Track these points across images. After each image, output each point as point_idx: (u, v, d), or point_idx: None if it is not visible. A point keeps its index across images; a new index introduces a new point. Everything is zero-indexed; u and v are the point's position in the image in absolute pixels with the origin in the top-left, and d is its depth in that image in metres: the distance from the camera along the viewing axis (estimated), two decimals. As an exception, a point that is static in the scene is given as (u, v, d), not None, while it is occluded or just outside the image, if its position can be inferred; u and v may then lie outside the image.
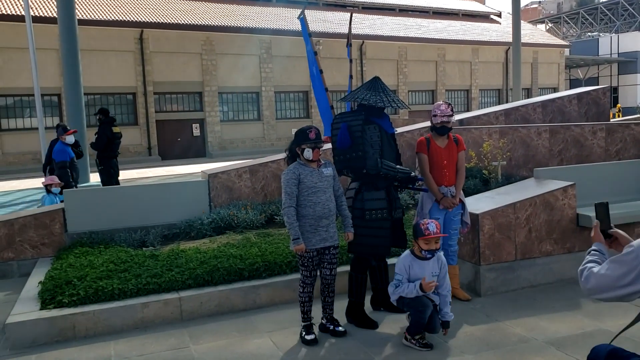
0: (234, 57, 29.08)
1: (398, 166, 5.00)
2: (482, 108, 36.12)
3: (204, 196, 7.94)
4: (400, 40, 33.83)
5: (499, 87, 39.08)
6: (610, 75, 43.64)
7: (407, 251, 4.65)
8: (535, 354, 4.21)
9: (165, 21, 27.21)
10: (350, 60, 5.73)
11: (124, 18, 26.35)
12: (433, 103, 35.49)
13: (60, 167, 9.09)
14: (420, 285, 4.39)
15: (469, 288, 5.57)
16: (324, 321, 4.89)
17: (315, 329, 4.78)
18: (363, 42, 32.26)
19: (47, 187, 8.71)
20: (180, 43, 27.58)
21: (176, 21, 27.52)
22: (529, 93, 39.02)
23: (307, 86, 31.58)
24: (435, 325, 4.45)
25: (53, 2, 24.36)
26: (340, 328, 4.81)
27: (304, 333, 4.70)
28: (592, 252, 2.71)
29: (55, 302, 5.13)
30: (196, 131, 28.87)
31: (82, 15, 24.78)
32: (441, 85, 36.23)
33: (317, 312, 4.87)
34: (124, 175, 11.32)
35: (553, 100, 9.88)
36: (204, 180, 8.09)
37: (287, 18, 31.72)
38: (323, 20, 31.76)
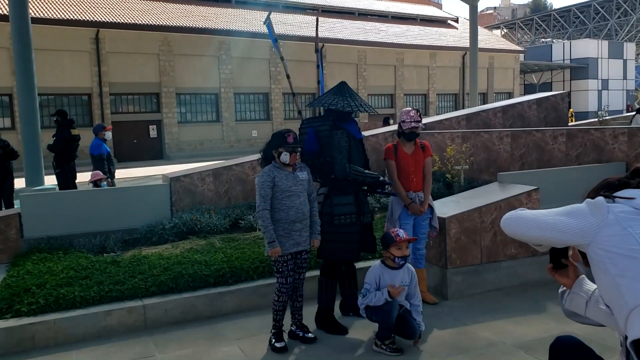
0: (192, 58, 28.73)
1: (366, 171, 4.98)
2: (439, 112, 36.72)
3: (165, 200, 7.77)
4: (359, 44, 34.06)
5: (455, 92, 39.76)
6: (563, 81, 44.94)
7: (378, 262, 4.65)
8: (504, 357, 4.25)
9: (122, 21, 26.67)
10: (319, 66, 5.68)
11: (80, 17, 25.71)
12: (392, 107, 35.90)
13: (99, 159, 9.84)
14: (388, 291, 4.39)
15: (436, 291, 5.60)
16: (293, 328, 4.83)
17: (285, 336, 4.72)
18: (323, 45, 32.31)
19: (96, 183, 8.80)
20: (137, 43, 27.08)
21: (133, 21, 27.02)
22: (485, 98, 39.82)
23: (268, 88, 31.48)
24: (413, 329, 4.44)
25: (5, 0, 23.58)
26: (310, 334, 4.75)
27: (273, 340, 4.63)
28: None
29: (13, 311, 4.91)
30: (153, 133, 28.38)
31: (36, 14, 24.06)
32: (400, 89, 36.63)
33: (286, 319, 4.80)
34: (80, 178, 10.98)
35: (513, 105, 10.07)
36: (165, 184, 7.93)
37: (246, 19, 31.55)
38: (283, 23, 31.66)
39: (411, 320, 4.51)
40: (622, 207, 1.94)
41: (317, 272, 5.29)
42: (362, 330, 4.91)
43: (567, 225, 1.98)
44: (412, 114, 5.29)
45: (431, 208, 5.33)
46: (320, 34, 32.02)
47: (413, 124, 5.24)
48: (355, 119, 5.17)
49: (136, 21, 27.10)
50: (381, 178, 5.00)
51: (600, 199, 2.00)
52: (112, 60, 26.66)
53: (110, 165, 10.14)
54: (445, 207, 5.69)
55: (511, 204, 5.69)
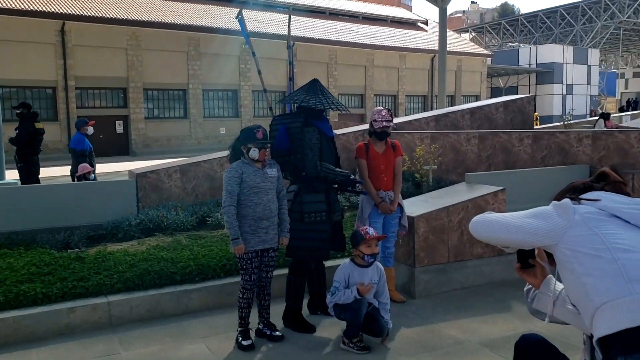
0: (160, 53, 28.35)
1: (337, 169, 4.98)
2: (408, 114, 37.03)
3: (131, 196, 7.63)
4: (330, 43, 34.11)
5: (424, 94, 40.15)
6: (529, 85, 45.78)
7: (347, 260, 4.66)
8: (471, 356, 4.30)
9: (89, 14, 26.15)
10: (290, 63, 5.66)
11: (44, 8, 25.10)
12: (362, 107, 36.05)
13: (82, 154, 9.71)
14: (357, 289, 4.40)
15: (404, 290, 5.64)
16: (260, 326, 4.79)
17: (252, 334, 4.68)
18: (293, 43, 32.01)
19: (85, 176, 8.78)
20: (104, 37, 26.59)
21: (101, 14, 26.51)
22: (452, 100, 40.30)
23: (237, 85, 31.28)
24: (381, 327, 4.46)
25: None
26: (277, 333, 4.73)
27: (240, 338, 4.59)
28: None
29: (-30, 308, 4.77)
30: (119, 128, 27.92)
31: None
32: (370, 89, 36.82)
33: (253, 317, 4.77)
34: (43, 172, 10.74)
35: (481, 107, 10.22)
36: (132, 180, 7.80)
37: (216, 16, 31.29)
38: (254, 20, 31.47)
39: (379, 318, 4.53)
40: (588, 208, 1.99)
41: (285, 271, 5.26)
42: (330, 328, 4.90)
43: (535, 227, 2.02)
44: (383, 113, 5.31)
45: (401, 207, 5.36)
46: (292, 32, 31.92)
47: (384, 123, 5.26)
48: (327, 117, 5.16)
49: (104, 14, 26.62)
50: (352, 176, 5.01)
51: (566, 201, 2.04)
52: (79, 53, 26.12)
53: (91, 160, 9.99)
54: (414, 207, 5.73)
55: (478, 204, 5.76)
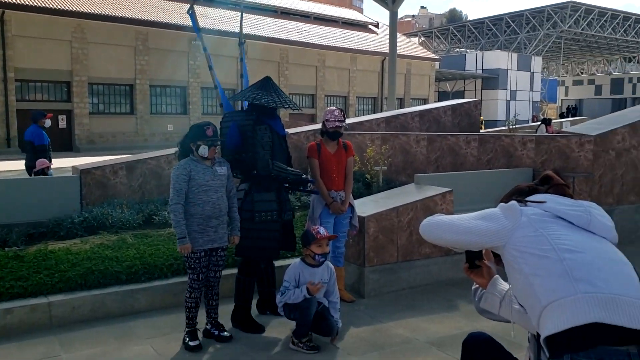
0: (107, 47, 27.58)
1: (289, 168, 4.95)
2: (359, 115, 37.30)
3: (74, 193, 7.38)
4: (281, 42, 34.00)
5: (374, 96, 40.55)
6: (475, 90, 46.89)
7: (298, 260, 4.64)
8: (418, 354, 4.35)
9: (31, 3, 25.18)
10: (242, 59, 5.59)
11: (-17, -4, 24.04)
12: (313, 107, 36.10)
13: (41, 150, 9.37)
14: (307, 288, 4.39)
15: (353, 289, 5.66)
16: (208, 326, 4.72)
17: (199, 335, 4.60)
18: (245, 40, 31.96)
19: (44, 171, 8.56)
20: (47, 28, 25.65)
21: (44, 4, 25.57)
22: (402, 103, 40.86)
23: (186, 81, 30.78)
24: (330, 326, 4.45)
25: None
26: (225, 333, 4.66)
27: (187, 339, 4.50)
28: None
29: None
30: (62, 123, 26.99)
31: None
32: (321, 90, 36.91)
33: (200, 317, 4.69)
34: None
35: (430, 110, 10.40)
36: (75, 176, 7.54)
37: (166, 10, 30.71)
38: (204, 16, 31.03)
39: (329, 318, 4.53)
40: (534, 210, 2.04)
41: (234, 270, 5.20)
42: (280, 328, 4.87)
43: (483, 229, 2.06)
44: (336, 113, 5.32)
45: (352, 207, 5.38)
46: (242, 30, 31.69)
47: (337, 123, 5.26)
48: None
49: (47, 4, 25.68)
50: (304, 176, 4.99)
51: (513, 203, 2.09)
52: (19, 44, 25.11)
53: (50, 154, 9.66)
54: (365, 207, 5.76)
55: (426, 204, 5.85)
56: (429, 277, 5.93)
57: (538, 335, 2.03)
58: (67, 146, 26.87)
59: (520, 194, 2.22)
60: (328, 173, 5.30)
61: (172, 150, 8.45)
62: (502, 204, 2.12)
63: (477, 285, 2.82)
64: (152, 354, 4.40)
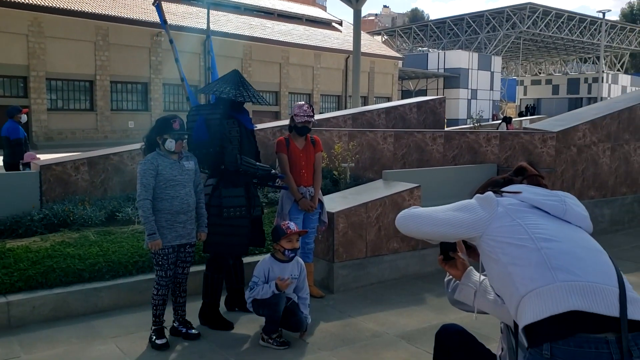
0: (65, 41, 26.89)
1: (258, 163, 4.89)
2: (323, 113, 37.33)
3: (34, 189, 7.17)
4: (245, 39, 33.75)
5: (338, 94, 40.65)
6: (437, 89, 47.44)
7: (268, 255, 4.59)
8: (388, 348, 4.36)
9: (-15, -5, 24.37)
10: (209, 52, 5.51)
11: None
12: (277, 104, 35.95)
13: (17, 144, 9.49)
14: (276, 284, 4.35)
15: (322, 285, 5.64)
16: (175, 324, 4.63)
17: (166, 333, 4.51)
18: (207, 37, 31.64)
19: (30, 165, 8.46)
20: (1, 21, 24.85)
21: (-2, -3, 24.77)
22: (365, 101, 41.05)
23: (147, 77, 30.27)
24: (300, 322, 4.42)
25: None
26: (193, 331, 4.58)
27: (154, 337, 4.40)
28: None
29: None
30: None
31: None
32: (285, 87, 36.78)
33: (167, 315, 4.59)
34: None
35: (396, 107, 10.45)
36: (35, 172, 7.32)
37: (127, 5, 30.12)
38: (167, 12, 30.61)
39: (298, 313, 4.50)
40: (510, 200, 2.04)
41: (202, 267, 5.12)
42: (249, 325, 4.82)
43: (460, 220, 2.06)
44: (305, 108, 5.28)
45: (321, 203, 5.36)
46: (205, 26, 31.37)
47: (306, 118, 5.22)
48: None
49: (2, -3, 24.89)
50: (273, 171, 4.94)
51: (489, 193, 2.09)
52: (-28, 37, 24.31)
53: (27, 149, 9.79)
54: (333, 203, 5.75)
55: (395, 200, 5.87)
56: (397, 271, 5.96)
57: (515, 325, 2.05)
58: (24, 143, 26.06)
59: (495, 186, 2.24)
60: (297, 168, 5.26)
61: (136, 146, 8.32)
62: (477, 195, 2.12)
63: (450, 277, 2.83)
64: (118, 354, 4.29)
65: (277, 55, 35.99)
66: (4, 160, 9.62)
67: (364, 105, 36.98)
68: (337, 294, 5.55)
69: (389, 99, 42.50)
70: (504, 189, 2.12)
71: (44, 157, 9.85)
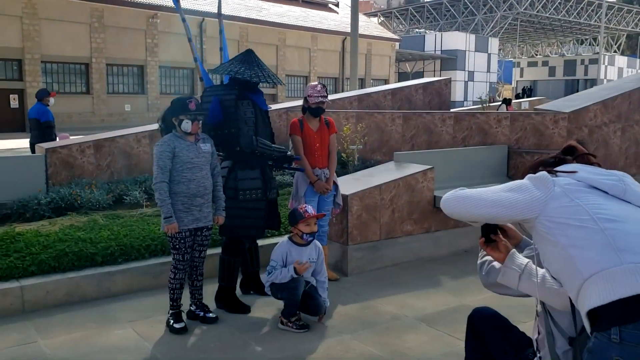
0: (60, 23, 26.54)
1: (274, 145, 4.82)
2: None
3: (40, 173, 7.08)
4: (241, 20, 33.40)
5: (335, 76, 40.40)
6: (434, 70, 47.20)
7: (285, 238, 4.53)
8: (409, 331, 4.32)
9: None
10: (221, 31, 5.39)
11: None
12: (274, 87, 35.69)
13: (47, 126, 9.72)
14: (295, 268, 4.30)
15: (336, 268, 5.60)
16: (192, 308, 4.58)
17: (183, 317, 4.46)
18: (203, 19, 31.34)
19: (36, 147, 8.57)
20: (-5, 3, 24.49)
21: (-9, -23, 24.38)
22: (362, 83, 40.79)
23: (143, 60, 29.99)
24: (318, 305, 4.38)
25: None
26: (211, 314, 4.54)
27: (172, 321, 4.36)
28: None
29: None
30: (14, 103, 25.97)
31: None
32: (281, 69, 36.51)
33: (184, 299, 4.54)
34: None
35: (402, 88, 10.36)
36: (41, 155, 7.22)
37: (122, -14, 29.70)
38: (162, -7, 30.26)
39: (317, 297, 4.46)
40: (567, 180, 1.98)
41: (217, 250, 5.06)
42: (265, 308, 4.78)
43: (514, 201, 1.99)
44: (318, 88, 5.18)
45: (336, 185, 5.29)
46: (202, 8, 31.01)
47: (320, 99, 5.13)
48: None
49: (-5, -22, 24.51)
50: (289, 153, 4.87)
51: (543, 173, 2.02)
52: (-35, 19, 23.95)
53: (55, 131, 10.04)
54: (347, 185, 5.68)
55: (408, 182, 5.81)
56: (411, 254, 5.92)
57: (555, 310, 1.98)
58: (20, 127, 25.86)
59: (546, 165, 2.17)
60: (311, 150, 5.18)
61: (141, 129, 8.22)
62: (530, 175, 2.05)
63: (484, 260, 2.78)
64: (136, 338, 4.25)
65: (273, 37, 35.68)
66: (30, 142, 9.76)
67: (362, 88, 36.82)
68: (352, 277, 5.51)
69: (386, 81, 42.28)
70: (558, 169, 2.05)
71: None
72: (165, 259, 5.36)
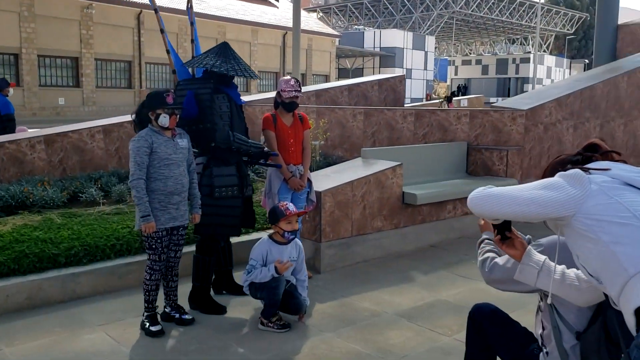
0: (-14, 12, 25.14)
1: (250, 140, 4.71)
2: (261, 90, 36.84)
3: (-15, 170, 6.67)
4: (179, 13, 32.63)
5: (276, 70, 40.20)
6: (373, 67, 47.77)
7: (265, 237, 4.44)
8: (391, 327, 4.33)
9: None
10: (192, 23, 5.22)
11: None
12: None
13: (8, 119, 9.41)
14: (275, 267, 4.22)
15: (309, 265, 5.48)
16: (167, 309, 4.42)
17: (159, 319, 4.30)
18: (141, 11, 30.47)
19: None
20: None
21: None
22: (304, 79, 40.79)
23: (78, 52, 28.83)
24: (299, 304, 4.32)
25: None
26: (187, 316, 4.39)
27: (147, 324, 4.19)
28: (487, 241, 2.80)
29: None
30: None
31: None
32: (222, 63, 35.92)
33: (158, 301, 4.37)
34: None
35: (358, 84, 10.39)
36: (-15, 151, 6.80)
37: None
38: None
39: (297, 296, 4.40)
40: (603, 177, 1.99)
41: (190, 248, 4.90)
42: (241, 308, 4.68)
43: (549, 199, 1.98)
44: (292, 82, 5.09)
45: (310, 182, 5.23)
46: (138, 1, 30.12)
47: (294, 93, 5.05)
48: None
49: None
50: (265, 149, 4.77)
51: (577, 171, 2.03)
52: None
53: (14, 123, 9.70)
54: (318, 182, 5.62)
55: (379, 178, 5.83)
56: (381, 250, 5.94)
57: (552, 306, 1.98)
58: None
59: (572, 163, 2.18)
60: (285, 146, 5.09)
61: (94, 123, 7.88)
62: (562, 172, 2.06)
63: (485, 257, 2.80)
64: (110, 342, 4.06)
65: (213, 31, 35.04)
66: None
67: (303, 84, 36.72)
68: (325, 274, 5.48)
69: (327, 77, 42.47)
70: (590, 166, 2.06)
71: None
72: (132, 258, 5.17)
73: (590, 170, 2.03)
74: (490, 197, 2.09)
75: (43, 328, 4.26)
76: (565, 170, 2.08)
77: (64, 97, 28.50)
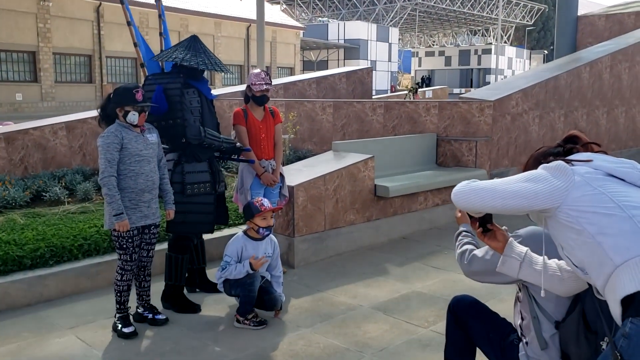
0: None
1: (222, 136, 4.62)
2: (226, 84, 36.48)
3: (-58, 170, 6.41)
4: (141, 6, 32.01)
5: (240, 63, 39.83)
6: (338, 60, 47.80)
7: (240, 233, 4.37)
8: (368, 320, 4.32)
9: None
10: (161, 16, 5.08)
11: None
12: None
13: None
14: (250, 263, 4.17)
15: (282, 260, 5.40)
16: (140, 310, 4.32)
17: (131, 320, 4.20)
18: (100, 3, 29.79)
19: None
20: None
21: None
22: (269, 71, 40.53)
23: (35, 46, 28.01)
24: (274, 300, 4.28)
25: None
26: (160, 316, 4.30)
27: (120, 326, 4.08)
28: (464, 233, 2.81)
29: None
30: None
31: None
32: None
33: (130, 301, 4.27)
34: None
35: (326, 77, 10.35)
36: (-59, 150, 6.54)
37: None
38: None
39: (272, 292, 4.35)
40: (586, 168, 2.00)
41: (162, 247, 4.80)
42: (216, 306, 4.61)
43: (534, 191, 1.98)
44: (262, 75, 5.01)
45: (282, 177, 5.17)
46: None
47: (265, 86, 4.97)
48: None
49: None
50: (238, 144, 4.69)
51: (560, 162, 2.03)
52: None
53: None
54: (290, 176, 5.57)
55: (351, 171, 5.81)
56: (353, 243, 5.93)
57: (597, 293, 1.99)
58: None
59: (554, 155, 2.19)
60: (257, 141, 5.02)
61: (56, 120, 7.65)
62: (545, 164, 2.06)
63: (464, 249, 2.80)
64: (81, 345, 3.95)
65: (175, 24, 34.46)
66: None
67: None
68: (299, 269, 5.44)
69: (292, 70, 42.28)
70: (572, 158, 2.07)
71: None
72: (101, 258, 5.04)
73: (573, 162, 2.04)
74: (475, 191, 2.08)
75: (10, 333, 4.12)
76: (547, 163, 2.08)
77: (22, 93, 27.69)
